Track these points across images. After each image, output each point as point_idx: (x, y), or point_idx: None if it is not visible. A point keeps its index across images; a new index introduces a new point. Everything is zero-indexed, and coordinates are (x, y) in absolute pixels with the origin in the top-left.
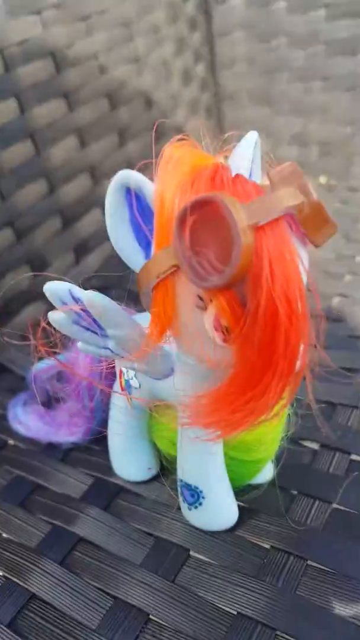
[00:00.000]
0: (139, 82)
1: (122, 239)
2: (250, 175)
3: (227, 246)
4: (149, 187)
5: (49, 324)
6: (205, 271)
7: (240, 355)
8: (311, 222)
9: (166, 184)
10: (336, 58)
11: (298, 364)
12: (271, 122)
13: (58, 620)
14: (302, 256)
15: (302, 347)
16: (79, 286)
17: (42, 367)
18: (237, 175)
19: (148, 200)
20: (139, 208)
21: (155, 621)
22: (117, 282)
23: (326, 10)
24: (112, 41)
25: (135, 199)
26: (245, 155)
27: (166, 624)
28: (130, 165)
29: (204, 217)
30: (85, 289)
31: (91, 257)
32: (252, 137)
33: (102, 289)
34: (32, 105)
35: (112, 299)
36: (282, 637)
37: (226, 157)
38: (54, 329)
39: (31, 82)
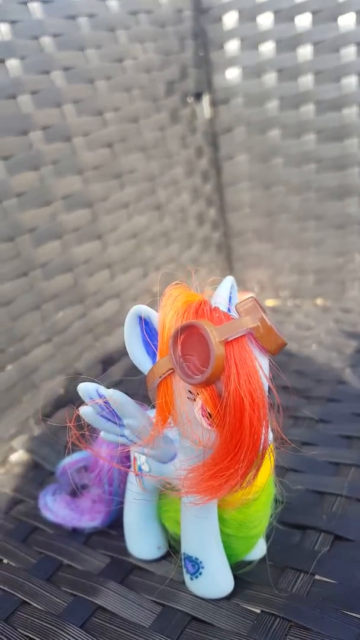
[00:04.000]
0: (161, 225)
1: (136, 352)
2: (228, 308)
3: (206, 355)
4: (154, 315)
5: (78, 417)
6: (192, 372)
7: (219, 434)
8: (265, 338)
9: (166, 313)
10: (327, 202)
11: (262, 441)
12: (273, 255)
13: None
14: (262, 362)
15: (263, 430)
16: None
17: (71, 460)
18: (215, 308)
19: (154, 324)
20: (148, 330)
21: None
22: (137, 388)
23: (316, 164)
24: (140, 193)
25: (145, 324)
26: (222, 294)
27: None
28: (151, 292)
29: (190, 336)
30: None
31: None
32: (228, 281)
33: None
34: (73, 245)
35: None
36: None
37: (210, 296)
38: (83, 422)
39: (75, 226)
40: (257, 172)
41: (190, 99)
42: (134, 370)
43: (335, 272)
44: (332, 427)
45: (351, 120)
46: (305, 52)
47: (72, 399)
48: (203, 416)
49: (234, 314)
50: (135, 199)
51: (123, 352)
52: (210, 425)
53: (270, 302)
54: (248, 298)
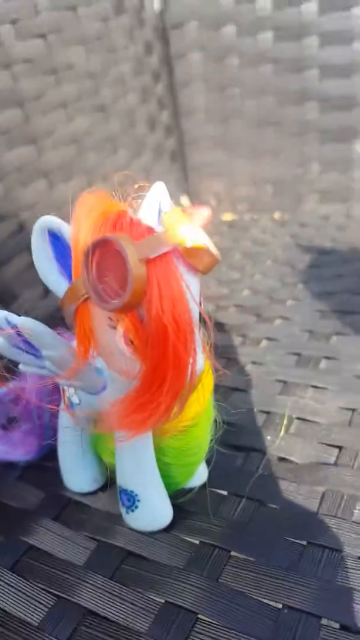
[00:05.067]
0: (106, 129)
1: (46, 272)
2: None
3: (123, 276)
4: (66, 228)
5: None
6: (109, 296)
7: (142, 365)
8: (194, 255)
9: (80, 227)
10: (286, 107)
11: (189, 371)
12: (229, 164)
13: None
14: (190, 282)
15: (190, 359)
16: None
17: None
18: (135, 220)
19: (66, 239)
20: (60, 247)
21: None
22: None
23: (273, 64)
24: (80, 92)
25: (57, 240)
26: (150, 204)
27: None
28: None
29: (106, 254)
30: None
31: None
32: (158, 188)
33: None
34: (2, 151)
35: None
36: (202, 620)
37: (133, 205)
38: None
39: (3, 129)
40: (211, 73)
41: None
42: None
43: (292, 183)
44: (281, 345)
45: (311, 18)
46: None
47: None
48: (126, 345)
49: (160, 227)
50: (75, 98)
51: None
52: (133, 353)
53: (227, 217)
54: (176, 208)
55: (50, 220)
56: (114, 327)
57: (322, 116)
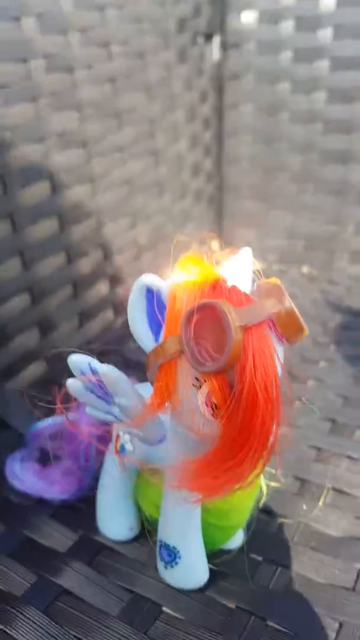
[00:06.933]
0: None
1: (139, 325)
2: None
3: (222, 340)
4: (164, 287)
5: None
6: (203, 358)
7: (225, 429)
8: (287, 326)
9: (179, 287)
10: (328, 166)
11: (271, 441)
12: (265, 215)
13: None
14: (279, 352)
15: (274, 428)
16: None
17: (43, 425)
18: (233, 287)
19: (162, 297)
20: (154, 302)
21: None
22: (114, 349)
23: (323, 124)
24: (138, 135)
25: (151, 296)
26: (243, 271)
27: None
28: (138, 244)
29: (206, 317)
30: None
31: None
32: (246, 253)
33: (101, 354)
34: (63, 189)
35: (109, 363)
36: None
37: (226, 268)
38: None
39: (66, 168)
40: (260, 126)
41: (200, 39)
42: (112, 326)
43: (326, 241)
44: (318, 409)
45: None
46: (327, 2)
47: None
48: (207, 406)
49: (255, 295)
50: (132, 141)
51: (103, 306)
52: (214, 417)
53: (255, 265)
54: (272, 279)
55: (152, 279)
56: (199, 387)
57: None
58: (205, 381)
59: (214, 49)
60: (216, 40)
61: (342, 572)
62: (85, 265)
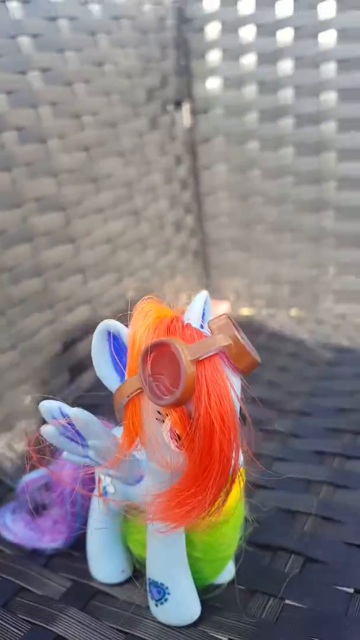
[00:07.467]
0: (137, 230)
1: (103, 369)
2: (200, 324)
3: (176, 375)
4: (124, 331)
5: (40, 436)
6: (161, 392)
7: (188, 459)
8: (238, 358)
9: (137, 329)
10: (303, 215)
11: (232, 467)
12: (248, 264)
13: None
14: (234, 382)
15: (233, 454)
16: (69, 404)
17: (32, 477)
18: (187, 324)
19: (124, 340)
20: (117, 346)
21: None
22: (104, 401)
23: (293, 177)
24: (117, 198)
25: (114, 339)
26: (195, 310)
27: None
28: (125, 298)
29: (161, 354)
30: (75, 406)
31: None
32: (202, 296)
33: (92, 406)
34: (43, 249)
35: (100, 415)
36: None
37: (183, 311)
38: (45, 440)
39: (46, 230)
40: (235, 183)
41: (170, 107)
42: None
43: (309, 284)
44: (304, 442)
45: (329, 135)
46: (285, 66)
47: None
48: (172, 438)
49: (206, 331)
50: (112, 204)
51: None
52: (178, 447)
53: (245, 311)
54: (221, 315)
55: (111, 322)
56: (162, 421)
57: (338, 223)
58: (167, 415)
59: (185, 115)
60: (186, 107)
61: (334, 598)
62: (72, 320)
